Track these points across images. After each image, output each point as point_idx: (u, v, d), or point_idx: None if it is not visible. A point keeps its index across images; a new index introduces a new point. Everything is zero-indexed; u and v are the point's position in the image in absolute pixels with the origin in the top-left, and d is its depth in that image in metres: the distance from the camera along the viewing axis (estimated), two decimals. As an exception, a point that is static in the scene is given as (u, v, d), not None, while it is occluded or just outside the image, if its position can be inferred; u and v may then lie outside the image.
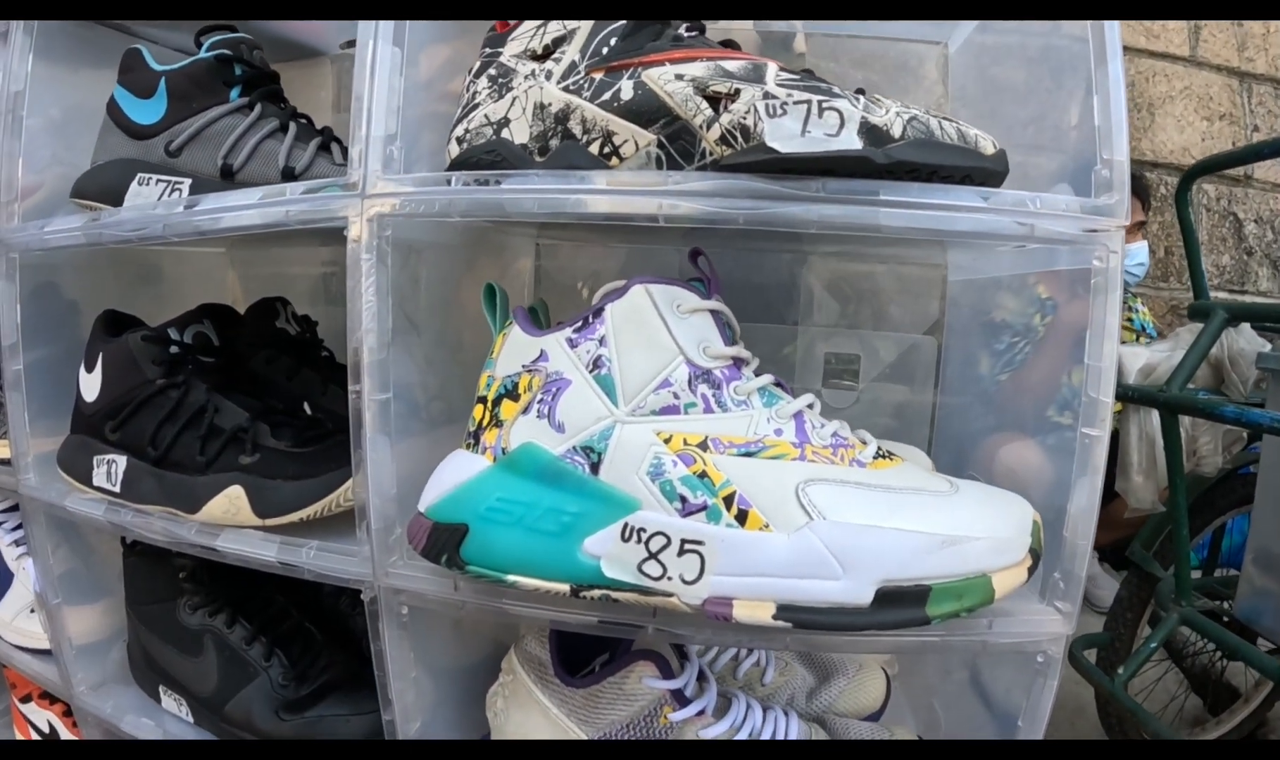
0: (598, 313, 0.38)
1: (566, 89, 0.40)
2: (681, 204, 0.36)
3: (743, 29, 0.60)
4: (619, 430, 0.37)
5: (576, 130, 0.39)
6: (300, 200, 0.43)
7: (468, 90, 0.44)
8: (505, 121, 0.41)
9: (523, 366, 0.40)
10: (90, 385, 0.58)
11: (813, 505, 0.36)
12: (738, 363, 0.39)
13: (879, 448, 0.39)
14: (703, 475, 0.36)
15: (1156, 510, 0.82)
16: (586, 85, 0.40)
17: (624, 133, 0.38)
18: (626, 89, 0.39)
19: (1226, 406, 0.65)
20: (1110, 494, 0.95)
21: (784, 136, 0.35)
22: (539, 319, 0.45)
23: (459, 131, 0.43)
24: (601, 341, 0.38)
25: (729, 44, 0.44)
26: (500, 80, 0.42)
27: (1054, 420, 0.46)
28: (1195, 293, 0.75)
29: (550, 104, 0.40)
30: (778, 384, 0.40)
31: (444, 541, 0.40)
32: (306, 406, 0.58)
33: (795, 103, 0.36)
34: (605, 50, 0.40)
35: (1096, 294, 0.38)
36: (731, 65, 0.38)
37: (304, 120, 0.55)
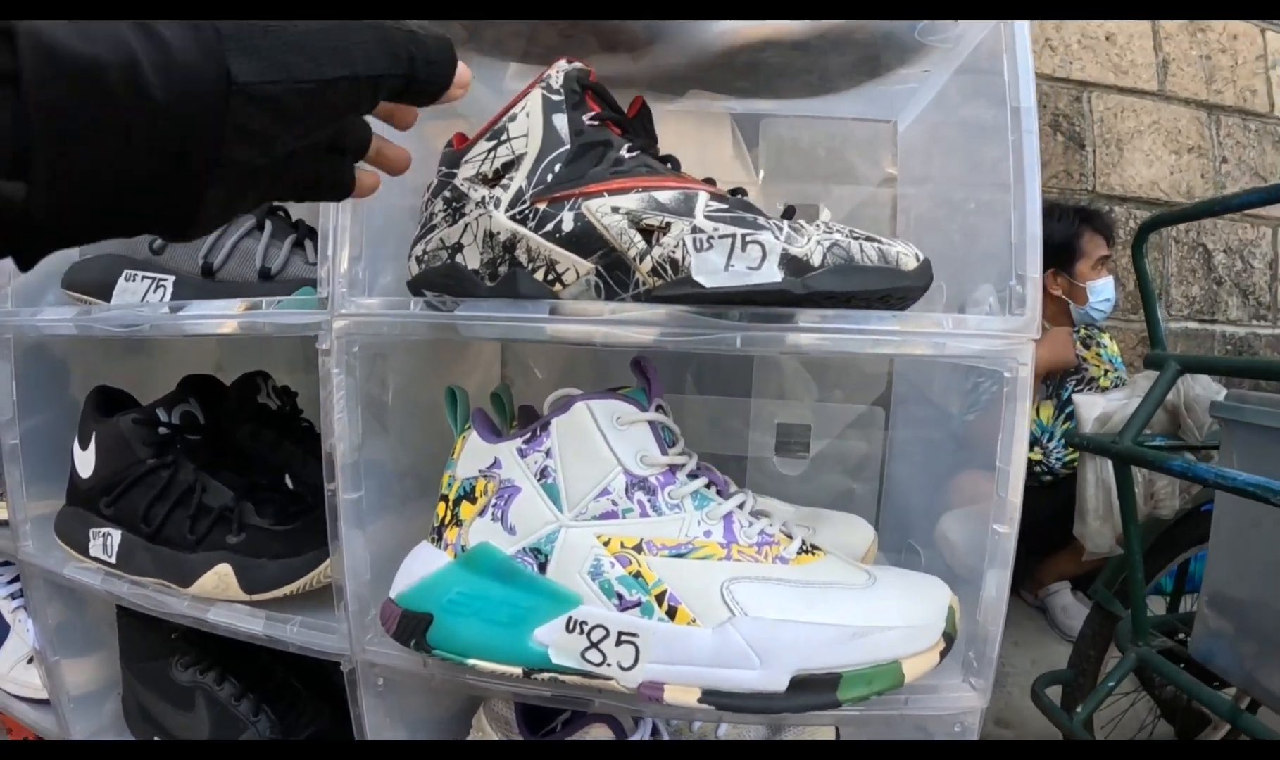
0: (545, 426, 0.43)
1: (513, 218, 0.44)
2: (616, 331, 0.41)
3: (712, 111, 0.64)
4: (564, 533, 0.42)
5: (523, 258, 0.43)
6: (276, 313, 0.47)
7: (425, 209, 0.48)
8: (459, 247, 0.45)
9: (479, 471, 0.44)
10: (85, 462, 0.62)
11: (735, 602, 0.40)
12: (673, 469, 0.43)
13: (803, 543, 0.44)
14: (637, 575, 0.41)
15: (1114, 553, 0.86)
16: (531, 216, 0.44)
17: (565, 262, 0.43)
18: (567, 220, 0.43)
19: (1175, 461, 0.69)
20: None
21: (709, 271, 0.40)
22: (502, 406, 0.50)
23: (418, 251, 0.47)
24: (548, 453, 0.42)
25: (669, 161, 0.49)
26: (454, 204, 0.46)
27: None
28: (1151, 342, 0.79)
29: (499, 232, 0.44)
30: (710, 484, 0.44)
31: (412, 627, 0.44)
32: (288, 478, 0.63)
33: (720, 237, 0.40)
34: (550, 178, 0.44)
35: (1008, 401, 0.43)
36: (664, 196, 0.42)
37: (281, 213, 0.60)
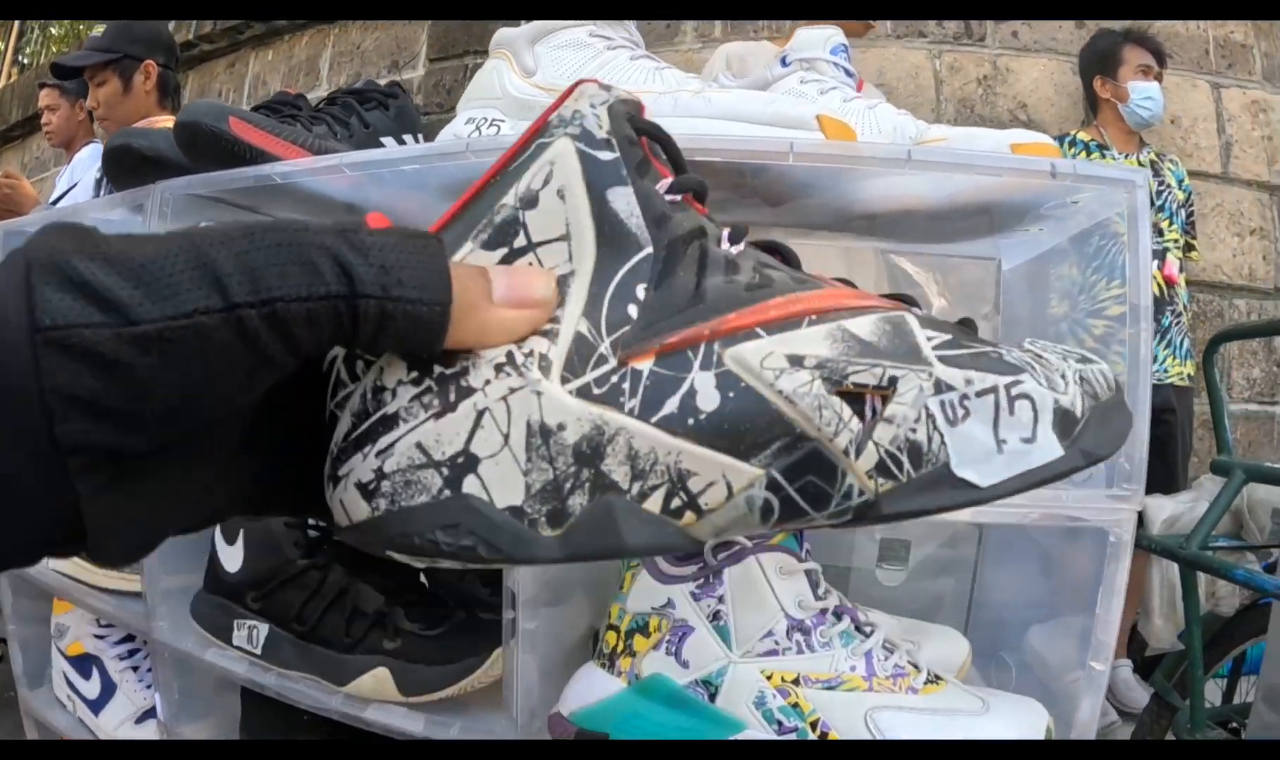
0: (718, 574, 0.54)
1: (588, 395, 0.23)
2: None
3: (818, 244, 0.76)
4: (733, 669, 0.53)
5: (620, 476, 0.23)
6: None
7: (348, 378, 0.25)
8: (470, 461, 0.22)
9: (652, 608, 0.56)
10: (231, 557, 0.73)
11: (877, 728, 0.52)
12: (823, 612, 0.55)
13: (929, 674, 0.56)
14: (795, 705, 0.53)
15: (1176, 648, 0.98)
16: (627, 387, 0.23)
17: (706, 470, 0.23)
18: (704, 388, 0.23)
19: (1239, 570, 0.82)
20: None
21: (977, 457, 0.24)
22: None
23: (363, 472, 0.22)
24: (720, 600, 0.54)
25: (777, 251, 0.30)
26: (444, 371, 0.23)
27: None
28: (1219, 447, 0.92)
29: (562, 427, 0.22)
30: (852, 621, 0.56)
31: (583, 741, 0.56)
32: (423, 577, 0.74)
33: (977, 394, 0.25)
34: (634, 309, 0.24)
35: (1109, 561, 0.54)
36: (862, 327, 0.25)
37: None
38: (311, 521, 0.72)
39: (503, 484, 0.22)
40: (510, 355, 0.22)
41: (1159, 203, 1.69)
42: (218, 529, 0.75)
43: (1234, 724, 0.99)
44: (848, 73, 0.68)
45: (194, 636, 0.76)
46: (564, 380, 0.23)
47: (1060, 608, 0.66)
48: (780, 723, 0.53)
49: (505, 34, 0.66)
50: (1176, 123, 1.97)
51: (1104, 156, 1.69)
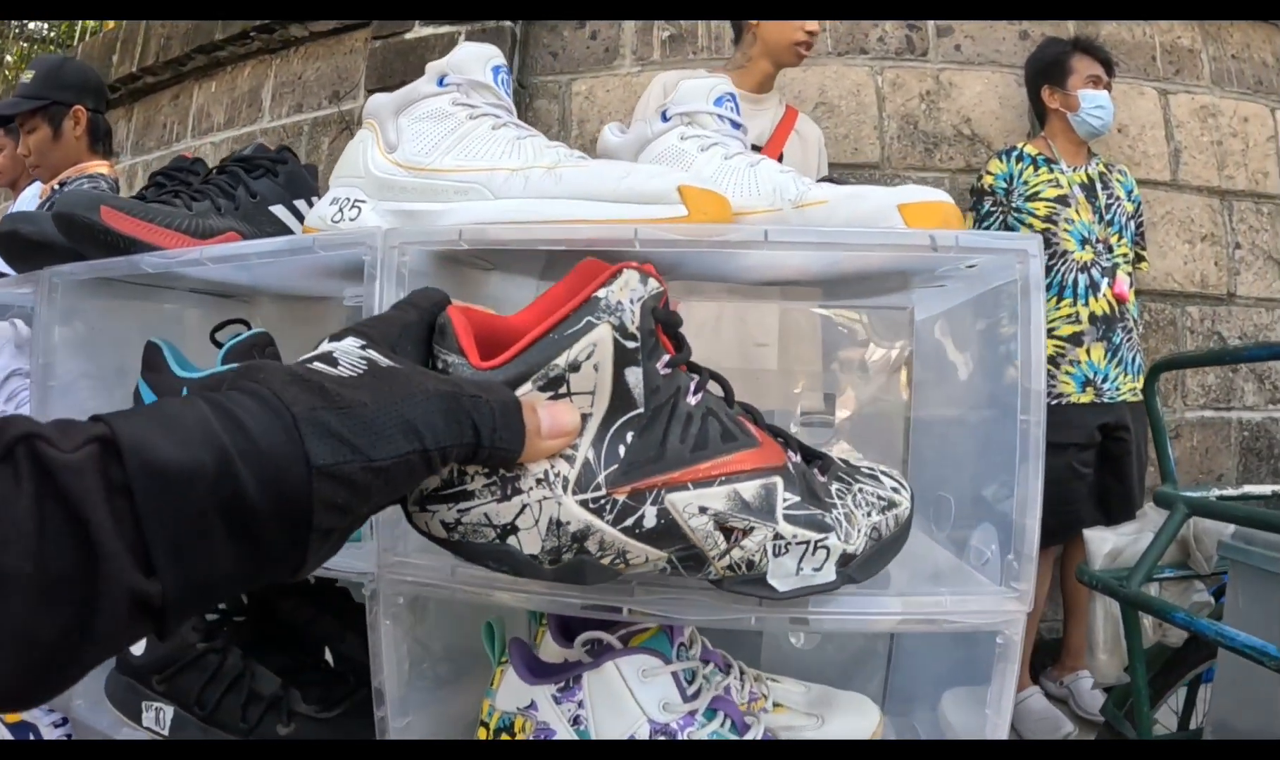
0: (578, 678, 0.53)
1: (586, 506, 0.41)
2: (641, 608, 0.50)
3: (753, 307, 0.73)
4: (596, 776, 0.52)
5: (593, 548, 0.42)
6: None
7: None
8: (513, 528, 0.41)
9: (517, 708, 0.54)
10: (136, 638, 0.73)
11: (751, 835, 0.50)
12: (692, 714, 0.53)
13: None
14: (662, 814, 0.51)
15: (1121, 681, 0.95)
16: (609, 507, 0.41)
17: (638, 553, 0.43)
18: (650, 516, 0.42)
19: (1179, 613, 0.79)
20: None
21: (782, 575, 0.46)
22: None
23: (447, 516, 0.40)
24: (580, 704, 0.52)
25: (724, 390, 0.48)
26: (507, 476, 0.40)
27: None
28: (1162, 477, 0.88)
29: (568, 522, 0.41)
30: (725, 718, 0.54)
31: (457, 841, 0.55)
32: (328, 652, 0.73)
33: (797, 543, 0.45)
34: (623, 451, 0.42)
35: (998, 662, 0.51)
36: (747, 491, 0.44)
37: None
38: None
39: (529, 543, 0.41)
40: (546, 473, 0.40)
41: (1108, 217, 1.62)
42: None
43: (1192, 752, 0.96)
44: (734, 125, 0.65)
45: (109, 715, 0.76)
46: (574, 493, 0.41)
47: (972, 675, 0.64)
48: (647, 828, 0.51)
49: (376, 101, 0.64)
50: (1124, 131, 1.92)
51: (1051, 170, 1.62)
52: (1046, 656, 1.75)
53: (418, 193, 0.60)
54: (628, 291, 0.41)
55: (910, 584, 0.55)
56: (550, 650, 0.58)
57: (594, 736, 0.52)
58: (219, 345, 0.70)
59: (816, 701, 0.68)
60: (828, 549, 0.46)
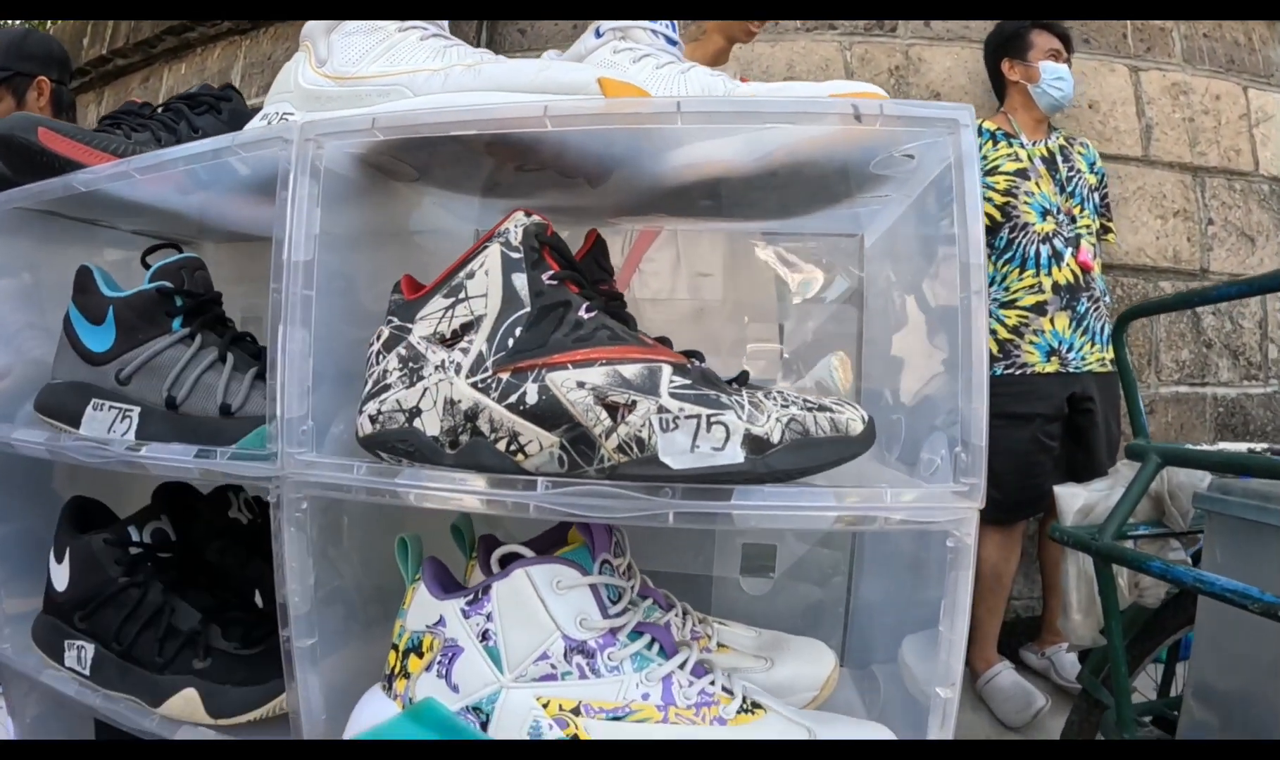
0: (486, 589, 0.49)
1: (475, 386, 0.47)
2: (546, 504, 0.46)
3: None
4: (504, 695, 0.48)
5: (485, 428, 0.47)
6: (227, 464, 0.54)
7: (377, 362, 0.53)
8: (417, 411, 0.49)
9: (426, 626, 0.51)
10: (60, 575, 0.70)
11: (669, 761, 0.47)
12: (613, 631, 0.49)
13: (744, 701, 0.50)
14: (574, 738, 0.47)
15: (1098, 644, 0.91)
16: (494, 385, 0.47)
17: (529, 434, 0.46)
18: (532, 393, 0.46)
19: (1154, 561, 0.75)
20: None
21: (675, 452, 0.44)
22: (462, 538, 0.56)
23: (371, 409, 0.51)
24: (489, 617, 0.49)
25: (625, 319, 0.52)
26: (411, 364, 0.50)
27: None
28: (1134, 431, 0.84)
29: (460, 401, 0.47)
30: (653, 641, 0.50)
31: (365, 770, 0.51)
32: (258, 595, 0.70)
33: (686, 417, 0.44)
34: (511, 342, 0.48)
35: (951, 568, 0.47)
36: (629, 370, 0.46)
37: (248, 338, 0.67)
38: (134, 538, 0.68)
39: (430, 424, 0.49)
40: (444, 362, 0.49)
41: (1070, 189, 1.58)
42: (52, 547, 0.71)
43: (1175, 715, 0.91)
44: (670, 41, 0.62)
45: (34, 655, 0.73)
46: (467, 377, 0.48)
47: (930, 618, 0.60)
48: (560, 752, 0.48)
49: (311, 23, 0.62)
50: (1095, 107, 1.89)
51: (1011, 144, 1.58)
52: (1024, 636, 1.70)
53: (342, 100, 0.58)
54: (515, 222, 0.51)
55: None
56: (475, 579, 0.54)
57: (503, 653, 0.48)
58: (149, 268, 0.67)
59: (767, 645, 0.64)
60: (725, 426, 0.44)
